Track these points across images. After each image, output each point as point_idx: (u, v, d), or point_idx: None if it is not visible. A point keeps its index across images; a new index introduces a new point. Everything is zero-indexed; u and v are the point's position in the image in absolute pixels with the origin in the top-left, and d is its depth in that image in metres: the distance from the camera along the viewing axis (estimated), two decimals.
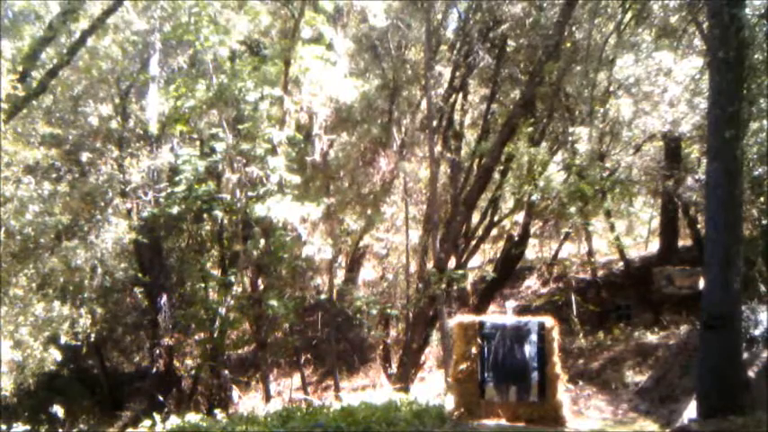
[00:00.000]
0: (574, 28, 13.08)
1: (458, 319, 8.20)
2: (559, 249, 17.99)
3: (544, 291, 18.00)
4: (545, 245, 19.20)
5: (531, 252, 18.88)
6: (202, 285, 15.28)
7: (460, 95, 15.61)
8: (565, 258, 17.85)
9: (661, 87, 11.69)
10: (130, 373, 17.86)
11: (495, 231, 16.38)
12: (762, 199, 11.33)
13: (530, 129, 13.21)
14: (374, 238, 15.96)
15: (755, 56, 7.85)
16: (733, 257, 7.08)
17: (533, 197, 13.48)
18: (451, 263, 13.83)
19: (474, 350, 7.70)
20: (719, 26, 7.16)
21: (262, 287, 12.90)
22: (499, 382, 7.63)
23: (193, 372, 15.47)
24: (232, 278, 13.31)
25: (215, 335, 13.62)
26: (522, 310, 15.08)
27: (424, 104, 13.91)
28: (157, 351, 14.83)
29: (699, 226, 14.80)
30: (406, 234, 14.95)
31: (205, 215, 14.37)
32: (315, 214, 11.84)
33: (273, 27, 14.12)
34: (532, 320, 7.84)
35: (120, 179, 13.91)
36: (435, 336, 14.23)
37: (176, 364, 15.52)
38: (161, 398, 14.05)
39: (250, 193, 12.20)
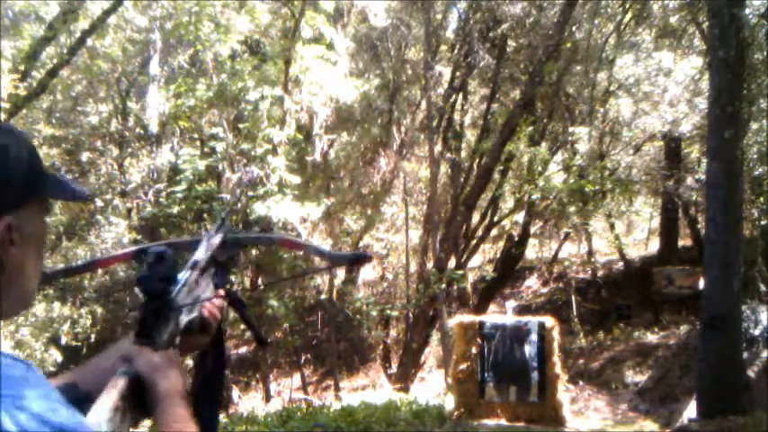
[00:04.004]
0: (574, 28, 13.08)
1: (458, 319, 8.21)
2: (559, 249, 17.98)
3: (544, 291, 17.98)
4: (545, 245, 19.20)
5: (531, 252, 18.87)
6: None
7: (460, 95, 15.61)
8: (565, 258, 17.86)
9: (661, 87, 11.70)
10: None
11: (495, 231, 16.37)
12: (762, 199, 11.34)
13: (530, 129, 13.21)
14: (374, 238, 15.95)
15: (755, 56, 7.86)
16: (733, 257, 7.08)
17: (533, 197, 13.48)
18: (451, 263, 13.82)
19: (474, 350, 7.71)
20: (719, 26, 7.16)
21: (261, 287, 12.89)
22: (499, 382, 7.63)
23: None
24: (232, 278, 13.27)
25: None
26: (522, 310, 15.06)
27: (423, 104, 13.91)
28: None
29: (699, 226, 14.80)
30: (406, 234, 14.96)
31: (205, 215, 14.35)
32: (315, 214, 11.84)
33: (274, 26, 14.12)
34: (532, 320, 7.85)
35: (120, 179, 13.89)
36: (435, 336, 14.23)
37: None
38: None
39: (250, 193, 12.20)
